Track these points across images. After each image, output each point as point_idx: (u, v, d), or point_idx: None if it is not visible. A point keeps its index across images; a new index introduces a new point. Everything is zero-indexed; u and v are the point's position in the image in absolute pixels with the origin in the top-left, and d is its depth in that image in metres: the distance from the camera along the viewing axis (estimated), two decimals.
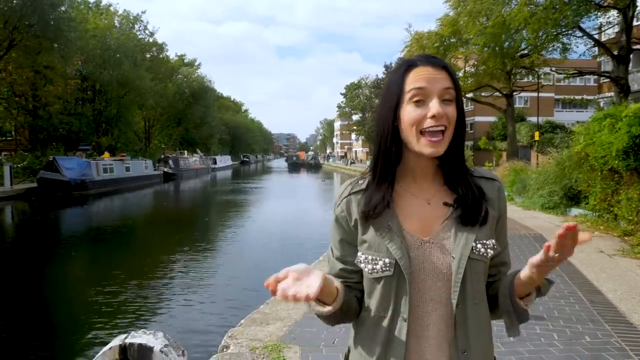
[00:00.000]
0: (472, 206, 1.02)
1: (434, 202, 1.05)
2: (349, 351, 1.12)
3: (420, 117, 0.98)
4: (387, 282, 1.01)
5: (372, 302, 1.04)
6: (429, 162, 1.05)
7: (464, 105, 1.07)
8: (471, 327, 0.99)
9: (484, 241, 1.01)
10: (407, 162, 1.06)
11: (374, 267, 1.02)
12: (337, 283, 1.04)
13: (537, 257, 0.92)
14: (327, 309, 1.02)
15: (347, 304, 1.05)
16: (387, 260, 1.00)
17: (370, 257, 1.03)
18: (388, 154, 1.04)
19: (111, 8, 39.53)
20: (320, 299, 1.02)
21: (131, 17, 40.75)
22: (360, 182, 1.10)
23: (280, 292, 0.88)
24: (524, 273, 0.97)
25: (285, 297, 0.88)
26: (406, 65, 1.03)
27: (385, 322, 1.01)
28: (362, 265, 1.04)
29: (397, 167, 1.07)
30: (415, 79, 0.99)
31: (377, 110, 1.08)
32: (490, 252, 1.02)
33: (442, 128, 0.97)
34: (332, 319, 1.06)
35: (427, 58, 1.02)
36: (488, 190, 1.06)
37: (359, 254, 1.06)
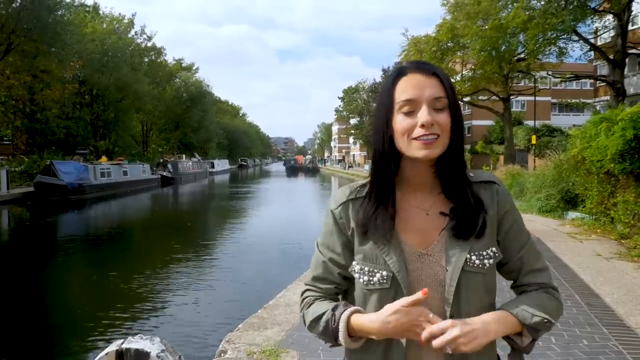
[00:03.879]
0: (467, 217, 0.99)
1: (432, 212, 1.02)
2: None
3: (411, 127, 0.96)
4: (384, 294, 0.99)
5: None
6: (426, 170, 1.01)
7: (461, 110, 1.03)
8: None
9: (480, 252, 0.99)
10: (404, 172, 1.03)
11: (371, 279, 1.00)
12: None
13: None
14: (358, 343, 1.00)
15: None
16: (384, 273, 0.98)
17: (366, 269, 1.01)
18: (386, 165, 1.01)
19: (102, 11, 39.52)
20: (354, 335, 0.99)
21: (124, 21, 40.77)
22: (360, 188, 1.07)
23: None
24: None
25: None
26: (395, 74, 1.01)
27: None
28: (357, 276, 1.02)
29: (396, 177, 1.04)
30: (403, 89, 0.97)
31: (373, 120, 1.06)
32: (489, 262, 0.99)
33: (434, 137, 0.95)
34: (353, 346, 1.02)
35: (417, 65, 1.00)
36: (486, 197, 1.03)
37: (354, 263, 1.03)
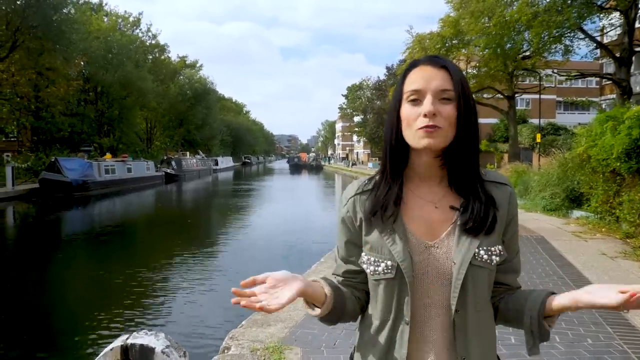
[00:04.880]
0: (478, 212, 0.99)
1: (441, 205, 1.03)
2: (353, 351, 1.12)
3: (415, 116, 0.98)
4: (390, 284, 1.00)
5: (376, 304, 1.04)
6: (433, 162, 1.03)
7: (473, 105, 1.02)
8: (471, 334, 0.98)
9: (488, 247, 0.99)
10: (412, 163, 1.05)
11: (376, 268, 1.02)
12: (327, 289, 1.03)
13: (595, 299, 0.92)
14: (315, 312, 1.03)
15: (339, 308, 1.05)
16: (389, 262, 1.00)
17: (372, 259, 1.02)
18: (394, 154, 1.04)
19: (106, 8, 39.61)
20: (310, 302, 1.03)
21: (131, 19, 40.88)
22: (367, 182, 1.10)
23: (245, 302, 0.89)
24: (562, 302, 0.96)
25: (251, 308, 0.89)
26: (409, 66, 1.05)
27: (387, 325, 1.01)
28: (365, 267, 1.04)
29: (405, 169, 1.06)
30: (412, 80, 1.01)
31: (380, 111, 1.08)
32: (496, 258, 1.00)
33: (437, 127, 0.96)
34: (325, 321, 1.07)
35: (428, 58, 1.03)
36: (498, 196, 1.03)
37: (363, 254, 1.06)
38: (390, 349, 1.00)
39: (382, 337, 1.01)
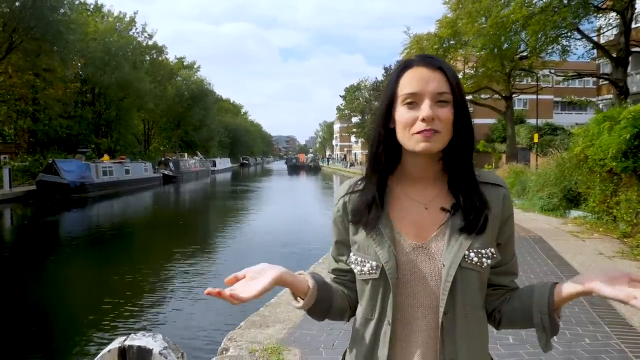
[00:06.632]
0: (469, 213, 0.98)
1: (431, 206, 1.02)
2: (346, 350, 1.13)
3: (412, 120, 0.96)
4: (375, 284, 1.00)
5: (362, 303, 1.04)
6: (427, 164, 1.01)
7: (467, 106, 1.01)
8: (459, 337, 0.96)
9: (480, 250, 0.97)
10: (404, 164, 1.04)
11: (362, 269, 1.01)
12: (310, 281, 1.02)
13: (602, 289, 0.89)
14: (298, 304, 1.04)
15: (324, 300, 1.05)
16: (374, 263, 0.99)
17: (359, 259, 1.02)
18: (380, 156, 1.03)
19: (104, 9, 39.59)
20: (295, 294, 1.04)
21: (126, 19, 40.84)
22: (359, 182, 1.09)
23: (214, 290, 0.88)
24: (569, 290, 0.96)
25: (223, 297, 0.88)
26: (401, 66, 1.02)
27: (371, 325, 1.01)
28: (353, 266, 1.04)
29: (396, 169, 1.05)
30: (408, 82, 0.98)
31: (376, 111, 1.07)
32: (487, 261, 0.98)
33: (434, 131, 0.95)
34: (312, 314, 1.08)
35: (423, 58, 1.00)
36: (492, 198, 1.01)
37: (351, 254, 1.06)
38: (374, 349, 1.00)
39: (367, 337, 1.02)
